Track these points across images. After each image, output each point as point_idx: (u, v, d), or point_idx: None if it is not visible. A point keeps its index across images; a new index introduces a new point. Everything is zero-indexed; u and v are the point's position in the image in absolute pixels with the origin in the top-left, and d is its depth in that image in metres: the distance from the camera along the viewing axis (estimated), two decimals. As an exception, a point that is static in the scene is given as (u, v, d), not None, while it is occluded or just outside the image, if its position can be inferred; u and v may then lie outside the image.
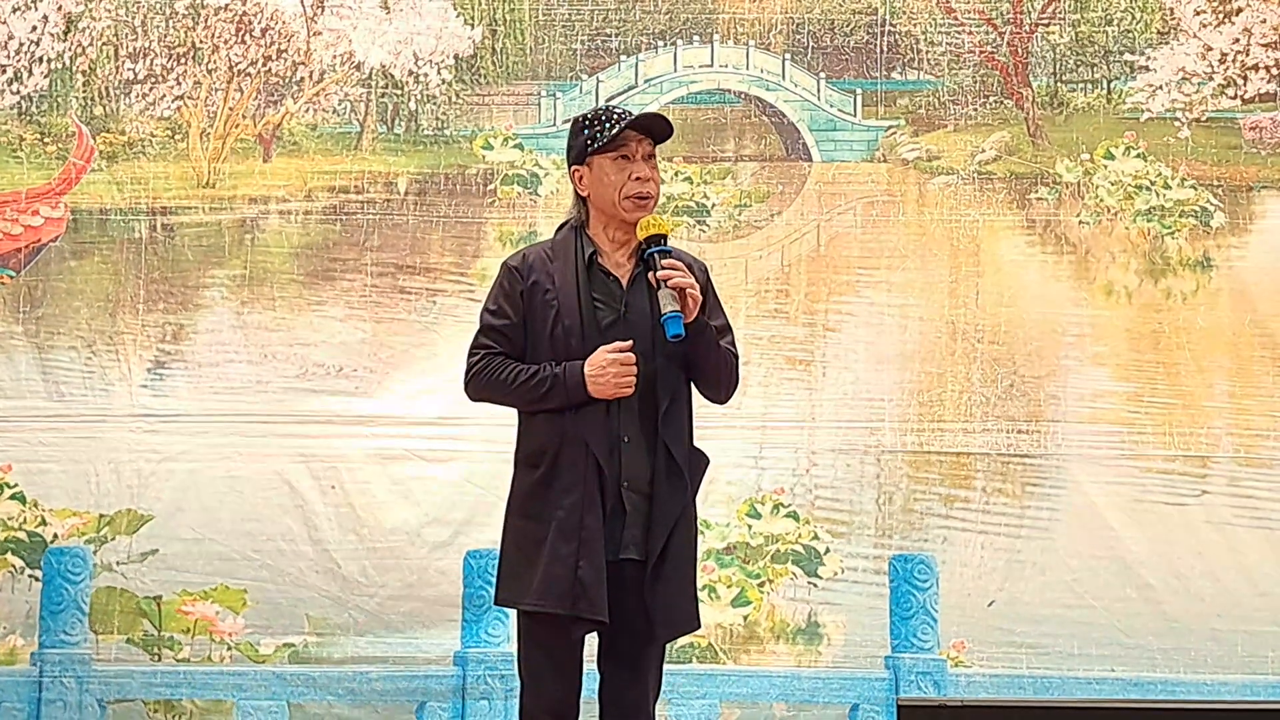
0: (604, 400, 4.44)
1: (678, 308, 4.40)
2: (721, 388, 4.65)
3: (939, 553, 6.88)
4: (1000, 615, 6.86)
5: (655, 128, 4.59)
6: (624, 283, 4.56)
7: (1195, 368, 7.05)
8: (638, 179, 4.53)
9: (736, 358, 4.64)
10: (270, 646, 6.86)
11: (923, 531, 6.94)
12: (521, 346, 4.55)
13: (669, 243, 4.52)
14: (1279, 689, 6.70)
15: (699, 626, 4.60)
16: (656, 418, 4.48)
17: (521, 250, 4.72)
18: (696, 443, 4.61)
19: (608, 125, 4.54)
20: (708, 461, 4.62)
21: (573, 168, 4.63)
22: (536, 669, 4.51)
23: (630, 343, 4.45)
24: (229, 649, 6.85)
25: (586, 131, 4.57)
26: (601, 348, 4.45)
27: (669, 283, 4.41)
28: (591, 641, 4.54)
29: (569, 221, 4.67)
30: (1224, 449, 6.97)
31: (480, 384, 4.59)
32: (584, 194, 4.61)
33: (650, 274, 4.46)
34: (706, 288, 4.59)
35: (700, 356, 4.52)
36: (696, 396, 4.64)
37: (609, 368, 4.42)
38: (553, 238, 4.70)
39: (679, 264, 4.46)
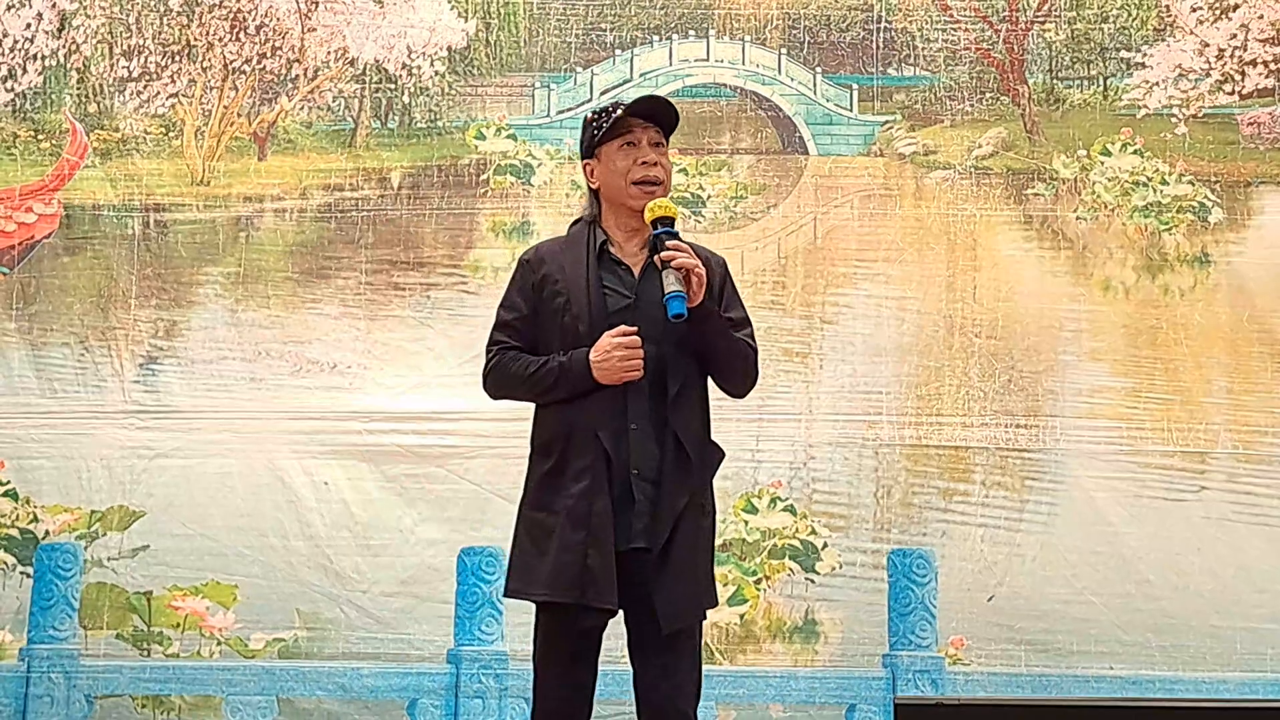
0: (613, 387, 4.39)
1: (682, 289, 4.35)
2: (736, 378, 4.57)
3: (938, 547, 6.84)
4: (999, 610, 6.81)
5: (659, 112, 4.57)
6: (636, 272, 4.52)
7: (1193, 363, 7.02)
8: (644, 164, 4.50)
9: (756, 351, 4.56)
10: (260, 641, 6.81)
11: (921, 526, 6.89)
12: (533, 339, 4.51)
13: (679, 229, 4.47)
14: (1278, 686, 6.66)
15: (704, 617, 4.49)
16: (666, 405, 4.42)
17: (536, 244, 4.70)
18: None
19: (613, 114, 4.54)
20: (722, 454, 4.55)
21: (584, 162, 4.63)
22: (549, 662, 4.44)
23: (635, 328, 4.39)
24: (219, 644, 6.80)
25: (594, 124, 4.58)
26: (606, 333, 4.40)
27: (673, 263, 4.36)
28: (613, 636, 4.47)
29: (583, 217, 4.64)
30: (1222, 445, 6.93)
31: (495, 381, 4.56)
32: (595, 186, 4.59)
33: (655, 255, 4.42)
34: (725, 280, 4.57)
35: (707, 342, 4.46)
36: (714, 389, 4.57)
37: (613, 352, 4.36)
38: (568, 232, 4.67)
39: (684, 245, 4.42)
